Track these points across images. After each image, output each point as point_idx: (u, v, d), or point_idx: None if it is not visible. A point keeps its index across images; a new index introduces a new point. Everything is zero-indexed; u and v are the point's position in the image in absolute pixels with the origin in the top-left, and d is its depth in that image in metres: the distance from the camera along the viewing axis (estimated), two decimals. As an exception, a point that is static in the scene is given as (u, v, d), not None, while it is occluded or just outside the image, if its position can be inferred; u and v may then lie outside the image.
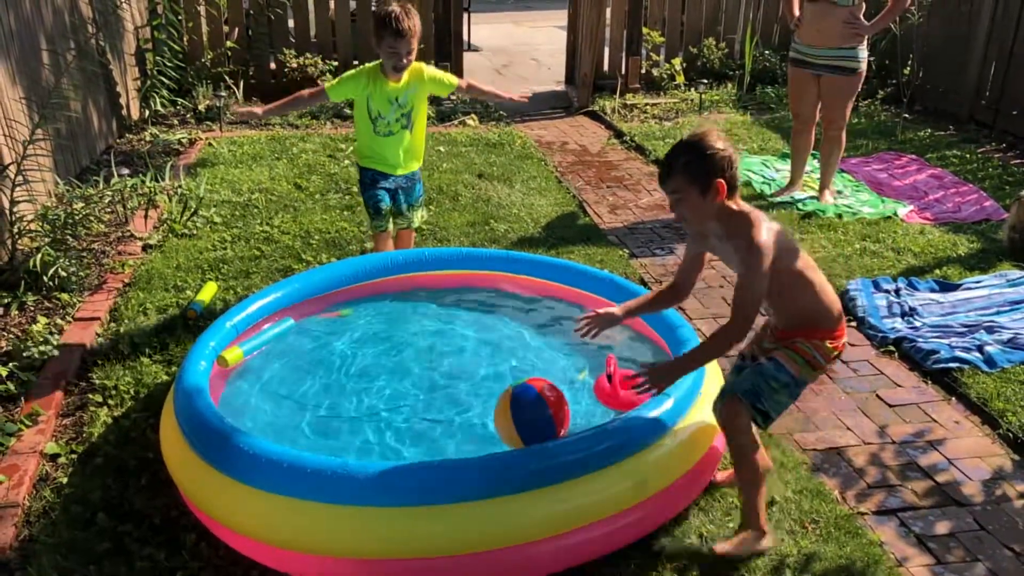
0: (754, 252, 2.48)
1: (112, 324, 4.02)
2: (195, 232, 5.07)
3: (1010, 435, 3.29)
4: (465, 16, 10.40)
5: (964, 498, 2.98)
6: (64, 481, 2.96)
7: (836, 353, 2.68)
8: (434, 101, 8.22)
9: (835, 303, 2.68)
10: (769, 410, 2.63)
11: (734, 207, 2.57)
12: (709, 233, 2.65)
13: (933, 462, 3.17)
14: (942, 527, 2.84)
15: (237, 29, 8.30)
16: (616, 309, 2.96)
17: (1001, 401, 3.47)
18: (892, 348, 3.94)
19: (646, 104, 8.43)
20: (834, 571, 2.60)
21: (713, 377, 3.15)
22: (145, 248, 4.86)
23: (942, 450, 3.24)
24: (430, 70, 4.09)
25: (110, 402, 3.41)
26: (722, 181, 2.52)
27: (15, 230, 4.31)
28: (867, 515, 2.89)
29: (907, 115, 7.74)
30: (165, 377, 3.57)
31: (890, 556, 2.69)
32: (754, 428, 2.65)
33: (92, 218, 4.92)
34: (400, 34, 3.83)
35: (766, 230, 2.51)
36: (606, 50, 8.89)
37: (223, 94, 7.60)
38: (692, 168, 2.54)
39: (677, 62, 8.82)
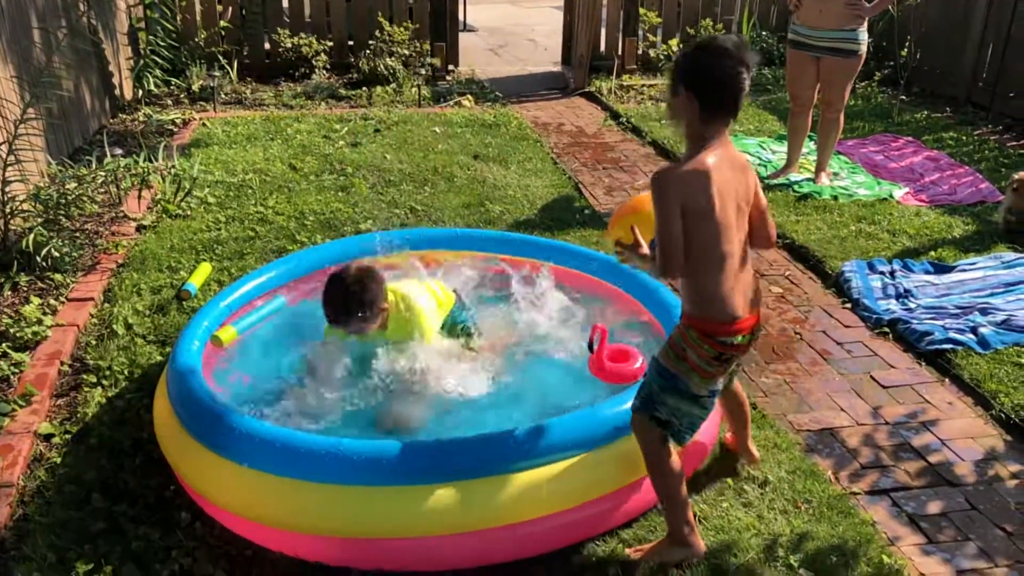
0: (652, 184, 2.28)
1: (106, 304, 4.01)
2: (189, 213, 5.05)
3: (1002, 416, 3.30)
4: (461, -4, 10.32)
5: (956, 478, 2.99)
6: (58, 461, 2.96)
7: (708, 349, 2.35)
8: (429, 81, 8.18)
9: (731, 298, 2.33)
10: (669, 419, 2.43)
11: (703, 137, 2.29)
12: None
13: (926, 443, 3.18)
14: (934, 507, 2.86)
15: (231, 8, 8.23)
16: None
17: (994, 382, 3.48)
18: (886, 329, 3.95)
19: (643, 85, 8.39)
20: (827, 550, 2.61)
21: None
22: (139, 228, 4.84)
23: (935, 431, 3.25)
24: (420, 323, 3.18)
25: (104, 382, 3.40)
26: (688, 93, 2.25)
27: (7, 210, 4.28)
28: (860, 495, 2.90)
29: (904, 97, 7.72)
30: (159, 357, 3.56)
31: (882, 535, 2.71)
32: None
33: (85, 198, 4.89)
34: (332, 321, 3.10)
35: (676, 176, 2.27)
36: (603, 31, 8.84)
37: (217, 74, 7.55)
38: (677, 64, 2.32)
39: (674, 43, 8.77)
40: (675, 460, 2.49)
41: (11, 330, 3.64)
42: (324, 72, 8.27)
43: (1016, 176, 4.93)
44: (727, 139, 2.34)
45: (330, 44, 8.44)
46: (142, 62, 7.48)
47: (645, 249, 2.45)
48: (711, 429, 2.99)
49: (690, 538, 2.52)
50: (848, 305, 4.20)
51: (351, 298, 3.03)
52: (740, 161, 2.40)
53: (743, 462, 2.95)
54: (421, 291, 3.33)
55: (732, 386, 2.77)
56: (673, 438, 2.47)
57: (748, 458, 2.95)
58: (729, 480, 2.90)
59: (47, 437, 3.10)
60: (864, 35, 5.32)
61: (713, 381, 2.44)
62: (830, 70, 5.41)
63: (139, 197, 5.09)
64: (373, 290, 3.07)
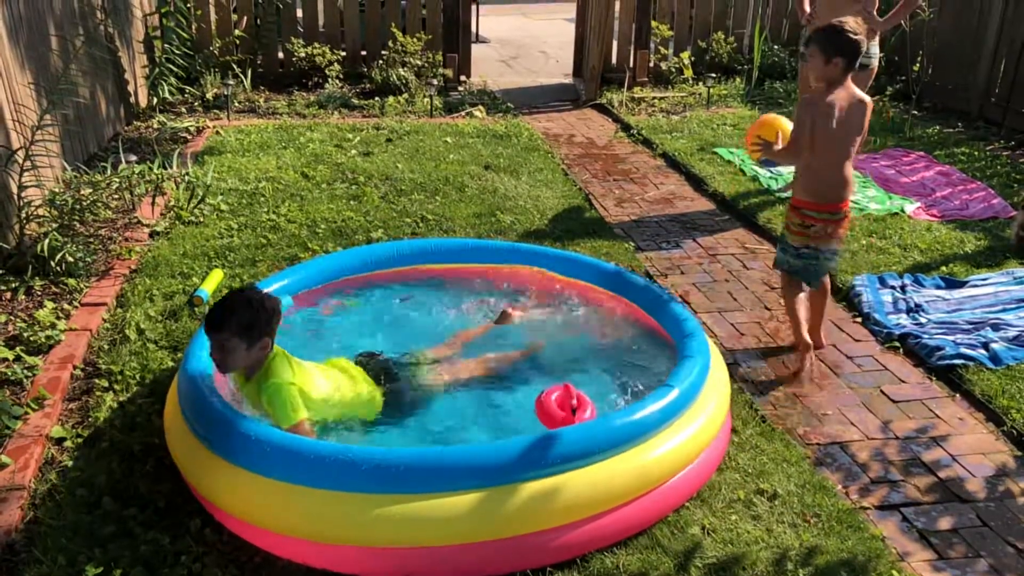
0: (799, 103, 3.73)
1: (119, 310, 4.04)
2: (202, 220, 5.08)
3: (1014, 432, 3.28)
4: (474, 7, 10.38)
5: (967, 494, 2.98)
6: (70, 465, 2.98)
7: (796, 218, 3.68)
8: (441, 92, 8.22)
9: (815, 187, 3.61)
10: (786, 266, 3.79)
11: (832, 82, 3.55)
12: None
13: (936, 458, 3.17)
14: (944, 523, 2.84)
15: (246, 18, 8.30)
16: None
17: (1005, 398, 3.46)
18: (897, 344, 3.94)
19: (654, 98, 8.41)
20: (836, 565, 2.60)
21: (718, 369, 3.16)
22: (152, 235, 4.88)
23: (945, 446, 3.24)
24: (270, 398, 2.80)
25: (116, 387, 3.42)
26: (838, 60, 3.53)
27: (23, 215, 4.32)
28: (869, 510, 2.89)
29: (916, 112, 7.71)
30: (170, 363, 3.58)
31: (892, 551, 2.70)
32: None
33: (99, 204, 4.91)
34: (207, 328, 2.86)
35: (807, 101, 3.61)
36: (615, 43, 8.87)
37: (231, 82, 7.61)
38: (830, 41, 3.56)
39: (685, 56, 8.80)
40: (795, 292, 3.76)
41: (25, 334, 3.67)
42: (337, 82, 8.32)
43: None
44: (848, 83, 3.56)
45: (343, 54, 8.50)
46: (157, 70, 7.54)
47: (778, 145, 3.79)
48: (717, 452, 3.00)
49: (801, 340, 3.71)
50: (859, 319, 4.19)
51: (235, 310, 2.80)
52: (857, 99, 3.57)
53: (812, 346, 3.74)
54: (319, 375, 2.98)
55: (818, 284, 3.77)
56: (791, 275, 3.78)
57: (815, 341, 3.80)
58: (739, 493, 2.89)
59: (59, 441, 3.11)
60: (876, 49, 5.33)
61: (803, 239, 3.67)
62: (842, 84, 5.41)
63: (153, 204, 5.12)
64: (261, 315, 2.81)
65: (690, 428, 2.84)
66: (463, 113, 7.79)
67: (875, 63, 5.36)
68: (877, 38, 5.32)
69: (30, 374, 3.45)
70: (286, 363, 2.87)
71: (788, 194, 5.80)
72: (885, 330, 4.02)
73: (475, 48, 9.35)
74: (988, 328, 3.97)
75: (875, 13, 5.26)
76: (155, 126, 7.01)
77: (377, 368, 3.22)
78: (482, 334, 3.66)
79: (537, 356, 3.55)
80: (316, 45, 8.41)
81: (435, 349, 3.48)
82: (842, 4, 5.20)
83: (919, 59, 7.77)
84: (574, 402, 2.84)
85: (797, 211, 3.67)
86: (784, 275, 3.82)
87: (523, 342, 3.65)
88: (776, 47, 9.00)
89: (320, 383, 2.97)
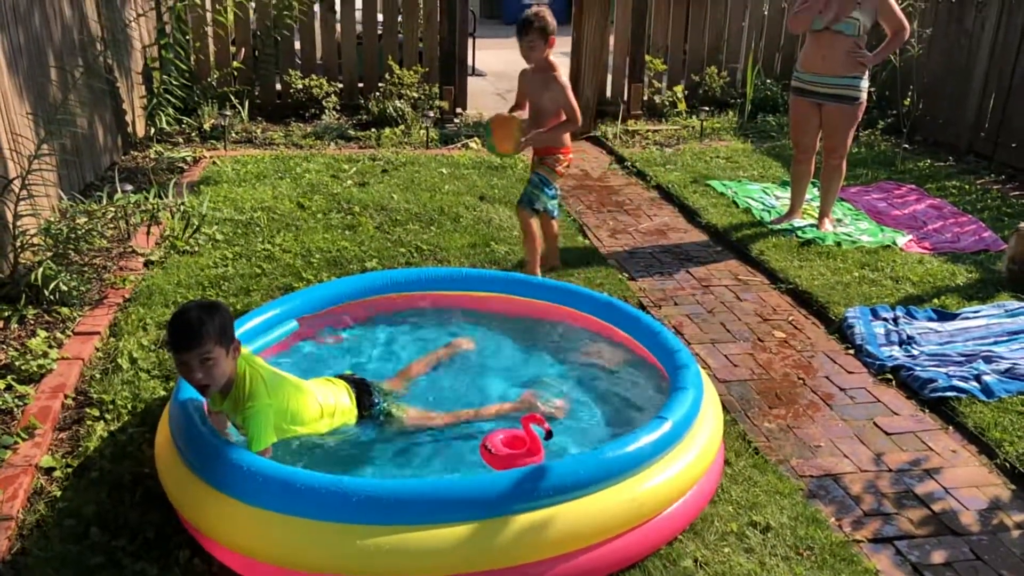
0: (561, 81, 4.59)
1: (111, 339, 4.03)
2: (197, 249, 5.09)
3: (1007, 465, 3.28)
4: (470, 41, 10.49)
5: (960, 527, 2.97)
6: (58, 495, 2.95)
7: (564, 160, 4.78)
8: (437, 124, 8.29)
9: (569, 138, 4.79)
10: (540, 207, 4.74)
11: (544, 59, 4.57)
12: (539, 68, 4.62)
13: (930, 491, 3.16)
14: (938, 556, 2.83)
15: (244, 50, 8.39)
16: None
17: (998, 431, 3.46)
18: (890, 376, 3.95)
19: (647, 130, 8.49)
20: (829, 598, 2.59)
21: (711, 402, 3.16)
22: (147, 264, 4.88)
23: (939, 479, 3.23)
24: (249, 420, 2.80)
25: (107, 416, 3.41)
26: (553, 40, 4.55)
27: (18, 244, 4.33)
28: (863, 543, 2.88)
29: (907, 145, 7.79)
30: (162, 392, 3.57)
31: (885, 584, 2.68)
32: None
33: (95, 233, 4.93)
34: (174, 349, 2.75)
35: (566, 80, 4.63)
36: (609, 77, 8.97)
37: (228, 113, 7.66)
38: (548, 28, 4.51)
39: (679, 89, 8.90)
40: (536, 226, 4.74)
41: (17, 363, 3.66)
42: (334, 113, 8.39)
43: (1020, 225, 4.96)
44: None
45: (340, 86, 8.58)
46: (155, 101, 7.60)
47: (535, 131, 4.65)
48: (710, 484, 2.99)
49: (535, 270, 4.74)
50: (851, 351, 4.20)
51: (204, 319, 2.69)
52: None
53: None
54: (296, 389, 2.98)
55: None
56: (535, 213, 4.74)
57: (556, 263, 4.99)
58: (732, 525, 2.88)
59: (48, 470, 3.09)
60: (865, 83, 5.40)
61: (561, 179, 4.82)
62: (832, 117, 5.48)
63: (148, 233, 5.14)
64: (219, 321, 2.73)
65: (683, 460, 2.83)
66: (459, 145, 7.84)
67: (864, 97, 5.44)
68: (867, 72, 5.40)
69: (21, 403, 3.43)
70: (260, 383, 2.86)
71: (781, 226, 5.88)
72: (878, 362, 4.03)
73: (471, 81, 9.43)
74: (980, 360, 3.98)
75: (864, 48, 5.34)
76: (152, 156, 7.05)
77: (354, 382, 3.27)
78: (433, 364, 3.68)
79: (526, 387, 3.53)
80: (313, 77, 8.49)
81: (388, 382, 3.48)
82: (833, 39, 5.29)
83: (910, 94, 7.87)
84: (545, 426, 2.88)
85: (566, 156, 4.73)
86: (528, 215, 4.70)
87: (447, 342, 3.79)
88: (768, 81, 9.11)
89: (314, 391, 3.06)
